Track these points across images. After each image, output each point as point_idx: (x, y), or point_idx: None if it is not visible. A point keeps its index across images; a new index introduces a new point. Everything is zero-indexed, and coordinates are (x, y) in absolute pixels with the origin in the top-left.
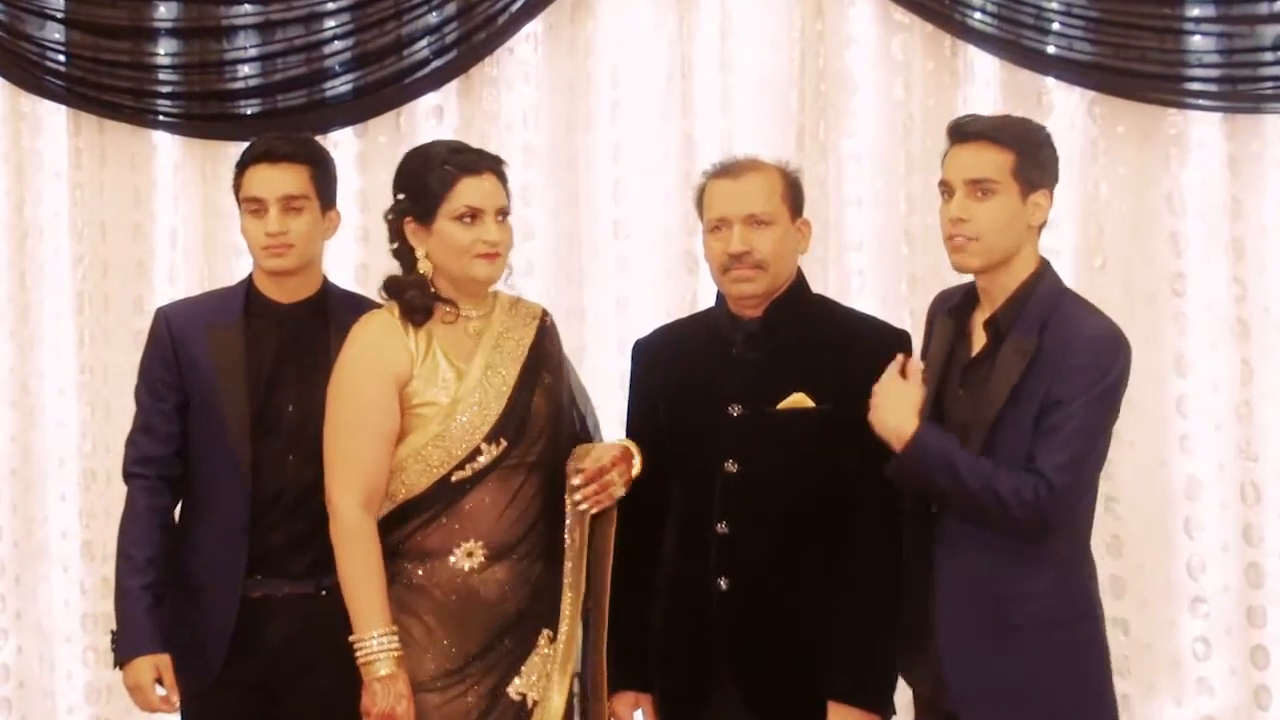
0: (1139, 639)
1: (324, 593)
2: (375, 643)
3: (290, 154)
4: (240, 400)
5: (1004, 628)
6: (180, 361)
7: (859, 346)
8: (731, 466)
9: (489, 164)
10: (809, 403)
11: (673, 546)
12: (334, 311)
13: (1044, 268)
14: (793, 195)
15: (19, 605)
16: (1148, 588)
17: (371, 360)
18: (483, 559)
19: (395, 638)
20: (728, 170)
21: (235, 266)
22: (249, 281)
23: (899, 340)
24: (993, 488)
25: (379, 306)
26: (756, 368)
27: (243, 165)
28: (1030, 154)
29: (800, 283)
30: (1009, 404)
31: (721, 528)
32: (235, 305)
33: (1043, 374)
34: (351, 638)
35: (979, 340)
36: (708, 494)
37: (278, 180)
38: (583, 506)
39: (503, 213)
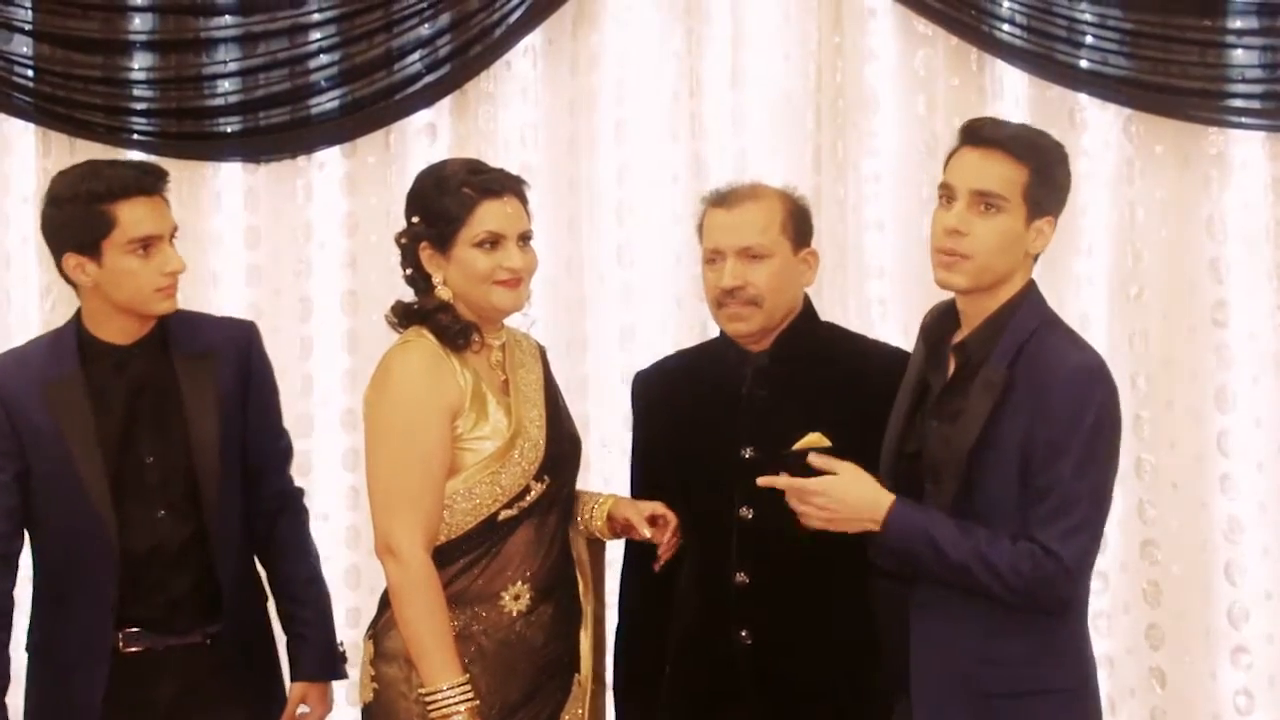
0: (1177, 691)
1: (209, 642)
2: (450, 694)
3: (163, 185)
4: (95, 461)
5: (976, 695)
6: (18, 428)
7: (872, 376)
8: (747, 513)
9: (511, 185)
10: (825, 442)
11: (689, 598)
12: (176, 342)
13: (1027, 291)
14: (795, 225)
15: None
16: (1186, 637)
17: (425, 391)
18: (529, 601)
19: (470, 687)
20: (723, 199)
21: (210, 294)
22: (78, 324)
23: (906, 363)
24: (985, 559)
25: (232, 326)
26: (768, 406)
27: (107, 200)
28: (1045, 174)
29: (807, 313)
30: (982, 445)
31: (740, 578)
32: (68, 354)
33: (1018, 414)
34: (422, 690)
35: (954, 366)
36: (724, 543)
37: (164, 213)
38: (664, 551)
39: (525, 237)
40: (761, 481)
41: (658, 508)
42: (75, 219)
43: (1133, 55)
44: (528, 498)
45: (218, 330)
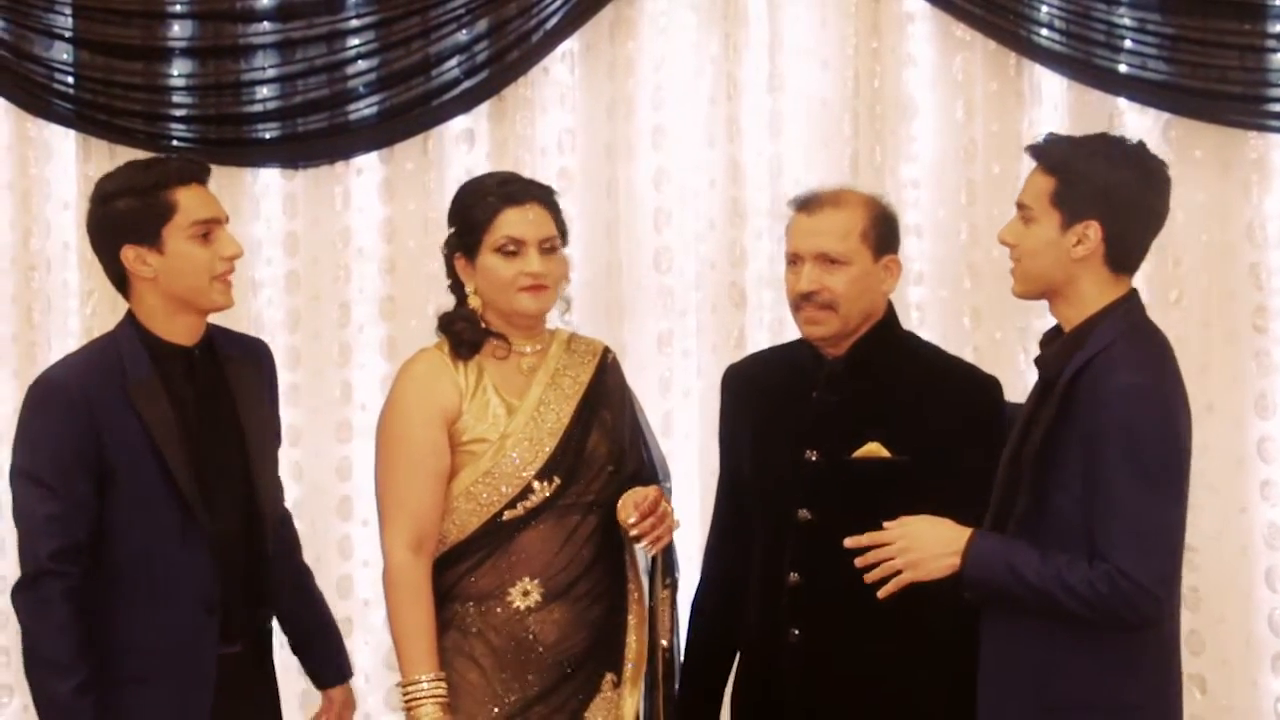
0: (1218, 698)
1: (242, 650)
2: (422, 688)
3: (207, 176)
4: (183, 461)
5: (1041, 708)
6: (101, 431)
7: (943, 393)
8: (805, 514)
9: (535, 194)
10: (884, 453)
11: (753, 594)
12: (221, 349)
13: (1115, 305)
14: (877, 233)
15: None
16: (1227, 644)
17: (419, 398)
18: (539, 598)
19: (444, 684)
20: (806, 204)
21: (252, 302)
22: (134, 326)
23: (987, 387)
24: (1064, 582)
25: (256, 340)
26: (836, 412)
27: (163, 187)
28: (1072, 179)
29: (888, 321)
30: (1045, 458)
31: (794, 577)
32: (140, 354)
33: (1073, 430)
34: (399, 682)
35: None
36: (781, 541)
37: (217, 200)
38: (643, 543)
39: (549, 243)
40: (849, 543)
41: (650, 493)
42: (133, 210)
43: (1172, 60)
44: (531, 498)
45: (247, 341)
